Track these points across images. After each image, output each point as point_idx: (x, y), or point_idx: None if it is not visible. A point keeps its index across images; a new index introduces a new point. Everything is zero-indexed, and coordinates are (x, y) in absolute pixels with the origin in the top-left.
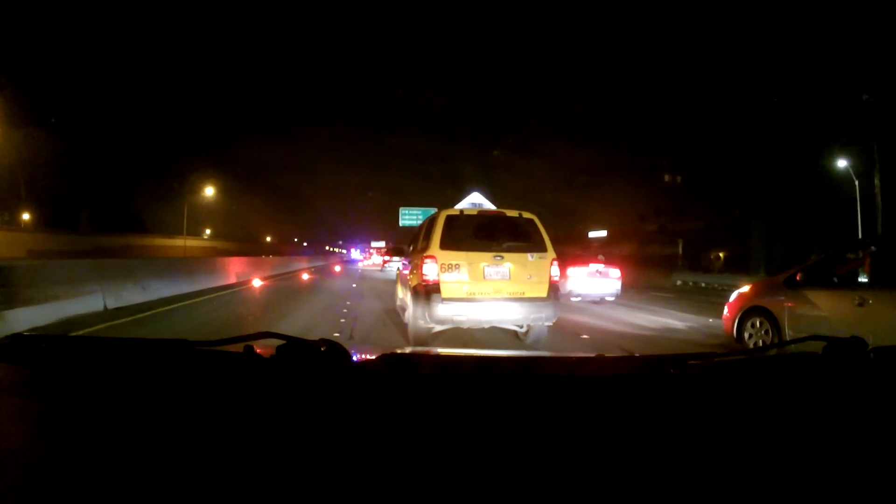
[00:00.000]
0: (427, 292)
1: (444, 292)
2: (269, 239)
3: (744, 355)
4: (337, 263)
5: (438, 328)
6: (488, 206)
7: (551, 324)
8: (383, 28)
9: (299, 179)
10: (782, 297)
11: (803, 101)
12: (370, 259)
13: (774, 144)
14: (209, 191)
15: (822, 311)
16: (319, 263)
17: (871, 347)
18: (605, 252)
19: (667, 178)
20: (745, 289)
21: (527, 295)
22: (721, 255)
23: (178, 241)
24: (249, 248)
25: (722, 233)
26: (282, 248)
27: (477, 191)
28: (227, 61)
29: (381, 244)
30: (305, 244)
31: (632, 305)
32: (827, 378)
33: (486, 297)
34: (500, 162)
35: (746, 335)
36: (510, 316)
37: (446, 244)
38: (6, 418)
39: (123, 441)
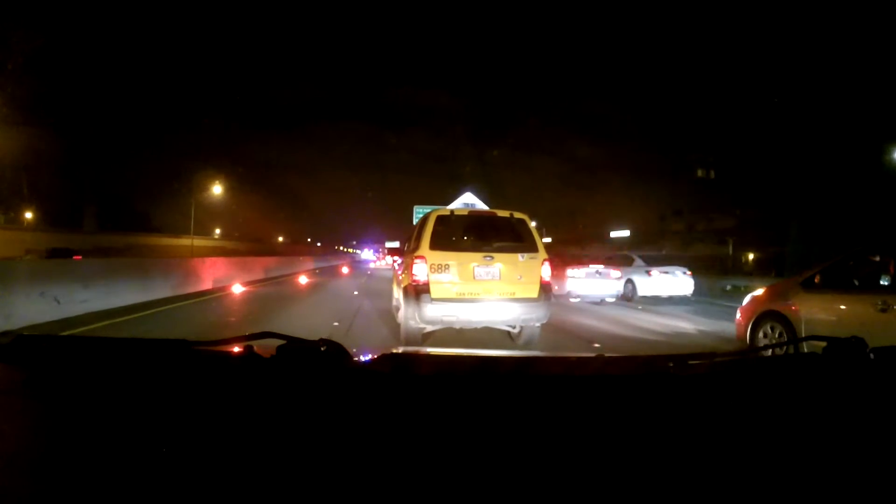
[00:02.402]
0: (417, 292)
1: (434, 293)
2: (280, 239)
3: (744, 355)
4: (345, 264)
5: (429, 328)
6: (481, 206)
7: (542, 324)
8: (401, 31)
9: (312, 180)
10: (799, 301)
11: (850, 92)
12: (383, 259)
13: (816, 139)
14: (217, 189)
15: (842, 317)
16: (326, 264)
17: (870, 348)
18: (633, 253)
19: (700, 172)
20: (759, 292)
21: (517, 295)
22: (752, 256)
23: (185, 241)
24: (259, 247)
25: (755, 232)
26: (293, 248)
27: (470, 191)
28: (240, 60)
29: (395, 244)
30: (319, 244)
31: (632, 306)
32: (827, 378)
33: (476, 297)
34: (517, 161)
35: (760, 341)
36: (501, 316)
37: (436, 244)
38: (6, 418)
39: (124, 441)
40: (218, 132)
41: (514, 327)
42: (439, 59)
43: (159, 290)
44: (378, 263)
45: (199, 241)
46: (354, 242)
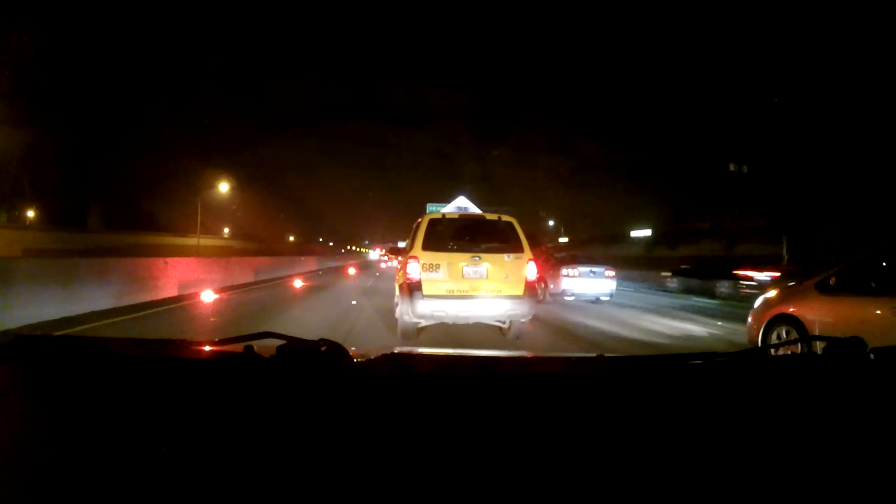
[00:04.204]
0: (410, 290)
1: (426, 290)
2: (291, 239)
3: (743, 356)
4: (353, 265)
5: (423, 323)
6: (473, 209)
7: (528, 319)
8: (413, 31)
9: (323, 181)
10: (813, 304)
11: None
12: (395, 259)
13: (850, 135)
14: (224, 188)
15: (858, 320)
16: (333, 264)
17: (871, 348)
18: (660, 254)
19: (732, 167)
20: (771, 294)
21: (503, 293)
22: (785, 256)
23: (192, 241)
24: (268, 247)
25: (786, 231)
26: (303, 248)
27: (463, 194)
28: (251, 62)
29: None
30: (331, 244)
31: (629, 305)
32: (827, 378)
33: (465, 294)
34: (530, 161)
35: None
36: (488, 312)
37: (428, 245)
38: (6, 418)
39: (124, 441)
40: (229, 132)
41: (503, 323)
42: (447, 57)
43: (93, 299)
44: (389, 264)
45: (206, 241)
46: (367, 242)
